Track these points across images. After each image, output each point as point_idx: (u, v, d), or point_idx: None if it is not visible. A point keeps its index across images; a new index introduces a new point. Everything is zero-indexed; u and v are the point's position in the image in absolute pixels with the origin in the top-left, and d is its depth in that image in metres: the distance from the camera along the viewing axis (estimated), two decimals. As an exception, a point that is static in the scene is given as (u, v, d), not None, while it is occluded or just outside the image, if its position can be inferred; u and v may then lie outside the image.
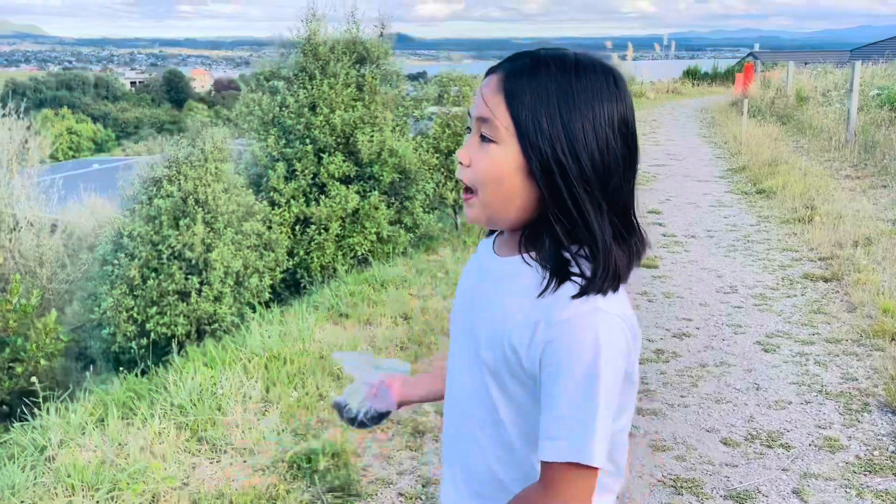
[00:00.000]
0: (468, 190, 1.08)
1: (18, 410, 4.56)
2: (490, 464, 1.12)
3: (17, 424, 3.37)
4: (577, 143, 1.01)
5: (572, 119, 1.02)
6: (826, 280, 5.40)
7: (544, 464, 1.02)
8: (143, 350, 5.10)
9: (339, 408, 1.42)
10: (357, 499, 2.78)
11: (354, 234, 5.77)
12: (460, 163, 1.09)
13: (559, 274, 1.02)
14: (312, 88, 5.75)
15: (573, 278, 1.02)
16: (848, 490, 2.81)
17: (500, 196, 1.05)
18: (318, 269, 5.70)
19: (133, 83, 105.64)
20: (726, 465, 3.01)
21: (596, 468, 0.99)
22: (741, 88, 22.01)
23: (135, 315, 5.19)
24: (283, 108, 5.72)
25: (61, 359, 5.49)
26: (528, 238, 1.08)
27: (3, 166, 5.20)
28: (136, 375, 3.97)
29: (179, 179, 5.15)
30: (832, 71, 17.80)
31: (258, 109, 5.75)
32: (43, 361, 4.85)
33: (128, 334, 5.17)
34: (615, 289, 1.03)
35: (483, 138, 1.05)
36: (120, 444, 3.03)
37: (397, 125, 6.22)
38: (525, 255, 1.07)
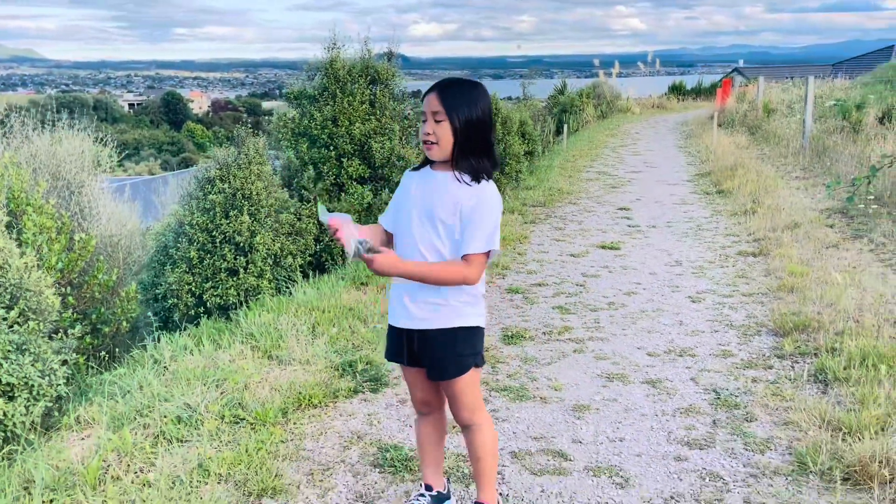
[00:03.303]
0: (432, 143, 2.31)
1: (99, 363, 5.73)
2: None
3: (134, 350, 4.56)
4: (469, 123, 2.28)
5: (469, 111, 2.29)
6: (754, 255, 6.63)
7: (468, 255, 2.29)
8: (200, 317, 6.29)
9: (359, 248, 2.37)
10: (386, 386, 3.98)
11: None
12: (428, 133, 2.32)
13: (476, 177, 2.31)
14: (335, 105, 6.99)
15: (481, 179, 2.32)
16: (728, 377, 4.02)
17: (447, 145, 2.30)
18: (340, 252, 6.92)
19: (131, 105, 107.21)
20: (647, 366, 4.22)
21: (489, 253, 2.30)
22: (720, 103, 23.38)
23: (193, 289, 6.39)
24: (311, 121, 6.97)
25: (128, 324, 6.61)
26: (456, 164, 2.33)
27: (85, 170, 6.42)
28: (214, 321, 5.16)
29: (229, 178, 6.37)
30: (800, 85, 19.13)
31: (291, 122, 6.99)
32: (125, 324, 6.04)
33: (188, 304, 6.37)
34: (492, 177, 2.34)
35: (437, 121, 2.28)
36: (213, 359, 4.23)
37: (403, 135, 7.47)
38: (455, 172, 2.33)
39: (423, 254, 2.35)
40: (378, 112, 7.21)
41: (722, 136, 15.80)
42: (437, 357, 2.39)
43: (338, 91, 7.08)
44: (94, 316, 6.06)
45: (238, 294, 6.34)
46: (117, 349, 5.74)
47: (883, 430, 3.13)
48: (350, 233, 2.28)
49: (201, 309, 6.38)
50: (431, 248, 2.34)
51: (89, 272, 6.34)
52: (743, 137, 15.64)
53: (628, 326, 4.91)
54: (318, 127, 6.92)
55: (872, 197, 7.60)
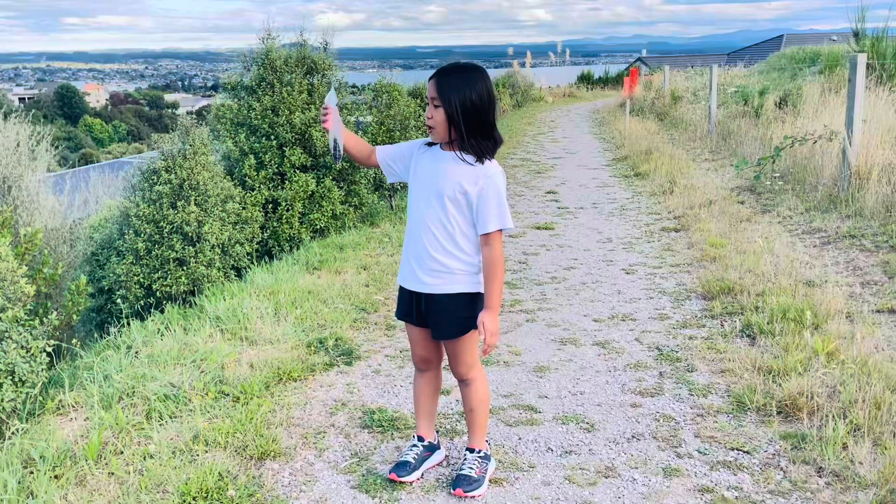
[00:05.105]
0: (431, 126, 2.57)
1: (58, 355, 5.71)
2: (443, 246, 2.62)
3: (98, 338, 4.61)
4: (464, 107, 2.49)
5: (463, 96, 2.50)
6: (676, 230, 7.17)
7: (486, 234, 2.55)
8: (150, 307, 6.33)
9: (336, 146, 2.64)
10: (358, 360, 4.22)
11: (314, 212, 7.16)
12: (429, 117, 2.58)
13: (479, 158, 2.56)
14: (274, 95, 7.11)
15: (484, 159, 2.56)
16: (667, 336, 4.46)
17: (444, 128, 2.55)
18: (286, 239, 7.06)
19: (22, 99, 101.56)
20: (595, 331, 4.62)
21: (505, 230, 2.55)
22: (627, 91, 24.33)
23: (141, 280, 6.42)
24: (251, 111, 7.07)
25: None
26: (457, 145, 2.57)
27: (24, 165, 6.33)
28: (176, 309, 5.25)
29: (175, 169, 6.42)
30: (702, 73, 20.21)
31: (230, 112, 7.07)
32: (75, 317, 6.02)
33: (137, 295, 6.39)
34: (494, 156, 2.58)
35: (435, 106, 2.55)
36: (185, 343, 4.36)
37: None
38: (457, 153, 2.58)
39: (431, 231, 2.60)
40: (316, 102, 7.37)
41: (633, 122, 16.58)
42: (442, 319, 2.66)
43: (275, 81, 7.20)
44: (40, 311, 6.01)
45: (189, 283, 6.41)
46: (62, 343, 5.74)
47: (806, 370, 3.61)
48: (334, 130, 2.63)
49: (151, 300, 6.42)
50: (439, 225, 2.59)
51: (34, 266, 6.27)
52: (653, 124, 16.46)
53: (572, 297, 5.30)
54: (259, 117, 7.03)
55: (777, 175, 8.29)
